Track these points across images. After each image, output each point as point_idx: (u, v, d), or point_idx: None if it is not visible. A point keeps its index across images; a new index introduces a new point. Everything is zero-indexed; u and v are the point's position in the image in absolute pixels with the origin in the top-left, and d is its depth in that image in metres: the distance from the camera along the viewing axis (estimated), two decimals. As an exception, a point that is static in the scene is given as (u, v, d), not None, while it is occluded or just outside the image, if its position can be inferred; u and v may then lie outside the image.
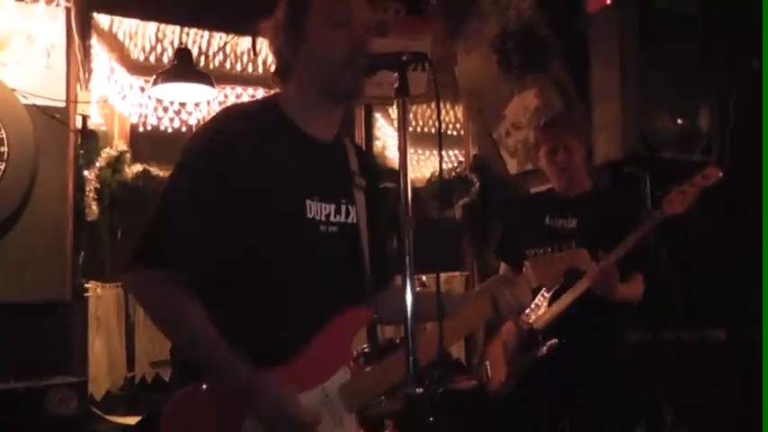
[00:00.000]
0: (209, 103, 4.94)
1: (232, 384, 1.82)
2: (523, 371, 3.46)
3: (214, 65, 5.07)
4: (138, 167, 4.62)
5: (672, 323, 4.15)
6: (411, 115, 5.80)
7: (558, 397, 3.41)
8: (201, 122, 4.89)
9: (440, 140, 2.15)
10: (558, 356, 3.35)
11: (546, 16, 4.93)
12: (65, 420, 3.71)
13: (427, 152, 5.93)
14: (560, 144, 3.56)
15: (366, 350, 4.13)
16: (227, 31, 5.07)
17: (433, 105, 5.66)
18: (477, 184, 5.68)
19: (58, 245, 4.29)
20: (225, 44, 5.09)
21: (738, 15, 4.09)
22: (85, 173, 4.45)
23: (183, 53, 4.54)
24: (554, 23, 4.90)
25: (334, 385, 1.93)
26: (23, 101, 4.20)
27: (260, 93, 5.14)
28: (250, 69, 5.19)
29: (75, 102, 4.42)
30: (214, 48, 5.07)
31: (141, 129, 4.83)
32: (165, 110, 4.86)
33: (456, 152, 6.00)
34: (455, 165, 5.91)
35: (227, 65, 5.13)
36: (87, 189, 4.42)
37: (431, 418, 1.72)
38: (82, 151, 4.47)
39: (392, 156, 5.77)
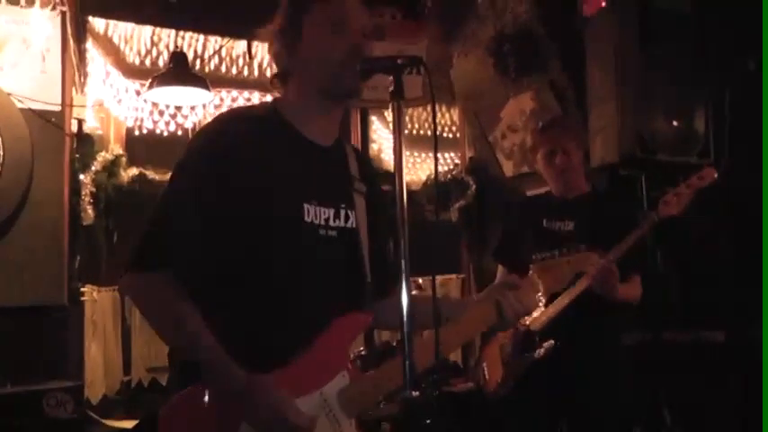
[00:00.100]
0: (204, 106, 4.94)
1: (229, 386, 1.81)
2: (521, 372, 3.46)
3: (210, 68, 5.07)
4: (133, 171, 4.62)
5: (671, 323, 4.15)
6: (407, 118, 5.81)
7: (558, 397, 3.41)
8: (197, 126, 4.91)
9: (435, 143, 2.16)
10: (557, 357, 3.35)
11: (542, 19, 4.94)
12: (61, 424, 3.70)
13: (423, 155, 5.92)
14: (558, 147, 3.56)
15: (363, 353, 4.13)
16: (223, 35, 5.07)
17: (428, 108, 5.66)
18: (474, 186, 5.68)
19: (54, 249, 4.28)
20: (220, 47, 5.09)
21: (733, 15, 4.09)
22: (81, 177, 4.44)
23: (178, 57, 4.54)
24: (550, 26, 4.90)
25: (332, 390, 1.92)
26: (19, 105, 4.20)
27: (255, 96, 5.15)
28: (246, 73, 5.19)
29: (71, 106, 4.42)
30: (209, 51, 5.08)
31: (137, 132, 4.83)
32: (161, 113, 4.86)
33: (452, 155, 6.01)
34: (451, 167, 5.91)
35: (223, 68, 5.14)
36: (83, 193, 4.42)
37: (428, 421, 1.72)
38: (78, 155, 4.46)
39: (388, 158, 5.77)
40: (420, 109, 5.85)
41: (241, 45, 5.14)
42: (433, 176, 5.71)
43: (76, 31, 4.51)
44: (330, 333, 1.95)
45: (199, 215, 1.87)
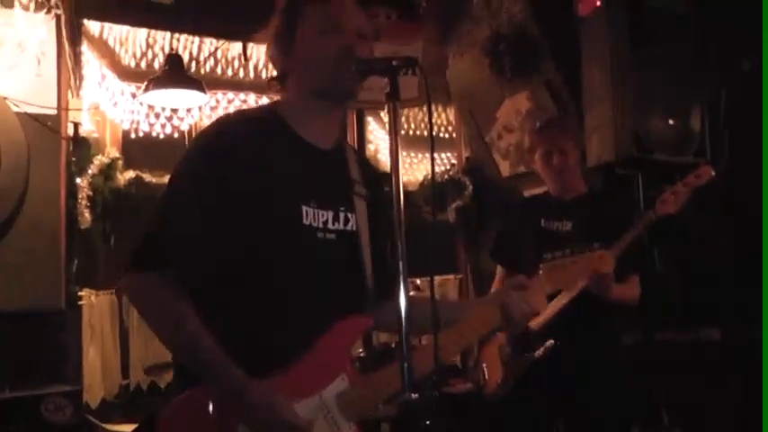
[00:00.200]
0: (200, 108, 4.93)
1: (228, 386, 1.81)
2: (521, 373, 3.46)
3: (205, 70, 5.06)
4: (130, 174, 4.61)
5: (671, 323, 4.15)
6: (403, 118, 5.80)
7: (557, 397, 3.41)
8: (193, 128, 4.91)
9: (432, 144, 2.15)
10: (556, 357, 3.35)
11: (537, 19, 4.94)
12: (60, 429, 3.70)
13: (419, 155, 5.92)
14: (555, 147, 3.56)
15: (362, 355, 4.13)
16: (218, 37, 5.07)
17: (424, 108, 5.66)
18: (470, 186, 5.68)
19: (52, 253, 4.27)
20: (216, 49, 5.09)
21: (731, 15, 4.09)
22: (78, 180, 4.44)
23: (173, 59, 4.54)
24: (545, 26, 4.90)
25: (331, 393, 1.92)
26: (15, 109, 4.19)
27: (251, 98, 5.15)
28: (241, 74, 5.19)
29: (67, 109, 4.42)
30: (205, 53, 5.07)
31: (133, 135, 4.82)
32: (157, 116, 4.85)
33: (448, 155, 6.00)
34: (447, 168, 5.91)
35: (219, 70, 5.13)
36: (80, 196, 4.42)
37: (427, 422, 1.72)
38: (74, 159, 4.46)
39: (384, 159, 5.77)
40: (416, 109, 5.84)
41: (236, 47, 5.14)
42: (429, 177, 5.71)
43: (71, 35, 4.51)
44: (330, 336, 1.94)
45: (198, 216, 1.88)
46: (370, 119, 5.73)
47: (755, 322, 3.49)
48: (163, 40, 4.93)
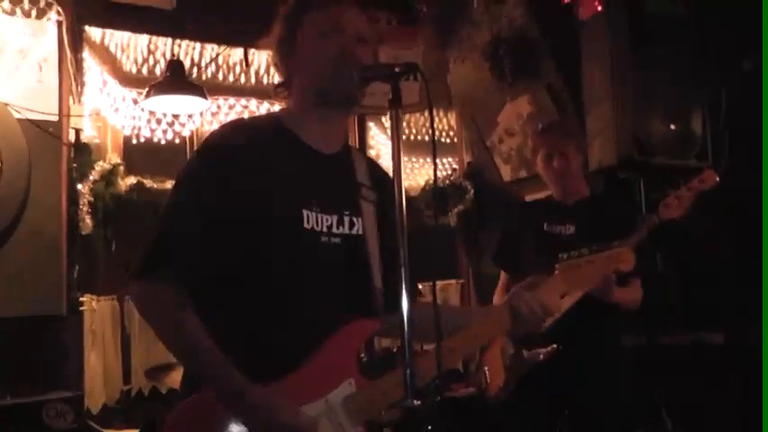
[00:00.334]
0: (201, 114, 4.94)
1: (228, 387, 1.81)
2: (522, 375, 3.45)
3: (206, 76, 5.07)
4: (131, 180, 4.60)
5: (671, 324, 4.14)
6: (404, 123, 5.81)
7: (558, 398, 3.41)
8: (195, 134, 4.92)
9: (434, 148, 2.17)
10: (557, 358, 3.34)
11: (537, 23, 4.94)
12: (62, 435, 3.70)
13: (421, 160, 5.92)
14: (556, 150, 3.56)
15: (363, 359, 4.12)
16: (219, 43, 5.07)
17: (426, 113, 5.66)
18: (472, 191, 5.68)
19: (53, 259, 4.28)
20: (217, 55, 5.10)
21: (731, 15, 4.09)
22: (79, 186, 4.44)
23: (175, 65, 4.55)
24: (545, 30, 4.90)
25: (337, 397, 1.90)
26: (16, 115, 4.20)
27: (252, 103, 5.16)
28: (242, 80, 5.19)
29: (68, 115, 4.43)
30: (206, 59, 5.08)
31: (134, 141, 4.82)
32: (159, 122, 4.85)
33: (450, 159, 6.00)
34: (449, 172, 5.91)
35: (220, 76, 5.14)
36: (81, 202, 4.42)
37: (429, 428, 1.71)
38: (75, 165, 4.47)
39: (386, 164, 5.75)
40: (417, 114, 5.84)
41: (238, 53, 5.14)
42: (431, 182, 5.71)
43: (73, 41, 4.52)
44: (337, 339, 1.93)
45: (200, 219, 1.89)
46: (371, 124, 5.73)
47: (755, 323, 3.49)
48: (164, 45, 4.94)
